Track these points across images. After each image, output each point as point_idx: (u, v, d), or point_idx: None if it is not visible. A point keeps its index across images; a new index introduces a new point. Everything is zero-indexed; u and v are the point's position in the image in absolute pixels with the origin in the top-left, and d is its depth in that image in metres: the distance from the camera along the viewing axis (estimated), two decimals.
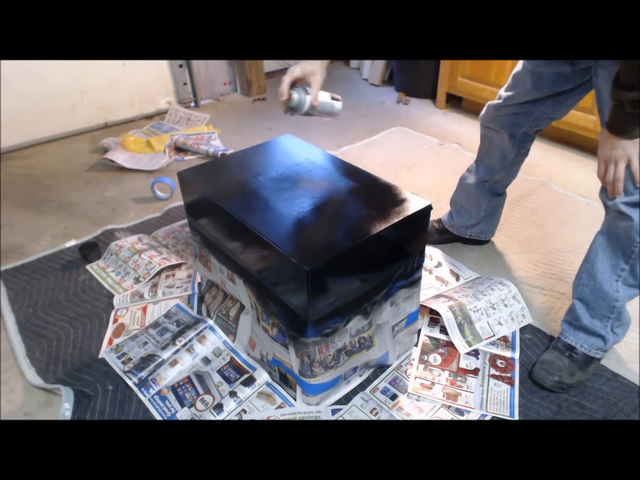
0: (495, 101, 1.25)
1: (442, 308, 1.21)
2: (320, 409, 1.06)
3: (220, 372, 1.15)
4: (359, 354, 1.05)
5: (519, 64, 1.18)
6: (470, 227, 1.50)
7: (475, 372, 1.14)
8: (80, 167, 2.10)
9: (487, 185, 1.39)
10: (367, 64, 2.98)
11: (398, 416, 1.04)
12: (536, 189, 1.86)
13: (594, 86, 1.00)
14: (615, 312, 1.07)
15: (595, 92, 1.00)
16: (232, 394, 1.09)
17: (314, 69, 1.00)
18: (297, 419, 1.04)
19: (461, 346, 1.17)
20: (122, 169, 2.04)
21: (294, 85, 1.00)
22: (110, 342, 1.24)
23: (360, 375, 1.13)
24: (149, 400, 1.09)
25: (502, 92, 1.23)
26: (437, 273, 1.44)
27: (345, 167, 1.09)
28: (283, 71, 3.08)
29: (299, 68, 0.99)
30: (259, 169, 1.08)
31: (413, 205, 0.96)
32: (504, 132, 1.26)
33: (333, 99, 1.05)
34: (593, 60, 0.98)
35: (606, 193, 1.00)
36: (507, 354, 1.18)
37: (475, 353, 1.18)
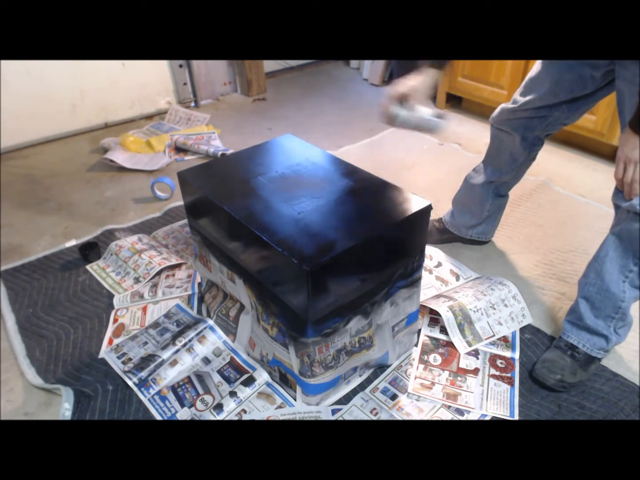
0: (510, 105, 1.23)
1: (442, 308, 1.21)
2: (320, 409, 1.06)
3: (220, 372, 1.15)
4: (359, 354, 1.05)
5: (535, 68, 1.16)
6: (472, 227, 1.50)
7: (475, 372, 1.14)
8: (80, 167, 2.10)
9: (493, 187, 1.39)
10: (367, 64, 2.98)
11: (398, 416, 1.04)
12: (536, 189, 1.86)
13: (616, 88, 0.99)
14: (620, 312, 1.07)
15: (617, 94, 0.99)
16: (232, 394, 1.09)
17: (415, 84, 1.03)
18: (297, 419, 1.04)
19: (461, 346, 1.17)
20: (122, 169, 2.04)
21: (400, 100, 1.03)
22: (110, 342, 1.24)
23: (360, 375, 1.13)
24: (149, 400, 1.09)
25: (517, 97, 1.21)
26: (437, 273, 1.44)
27: (345, 167, 1.09)
28: (283, 71, 3.10)
29: (402, 86, 1.02)
30: (259, 169, 1.08)
31: (413, 205, 0.96)
32: (516, 135, 1.25)
33: (438, 116, 1.05)
34: (616, 61, 0.97)
35: (620, 195, 0.99)
36: (507, 354, 1.18)
37: (475, 353, 1.18)
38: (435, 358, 1.17)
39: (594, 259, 1.10)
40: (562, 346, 1.14)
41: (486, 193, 1.40)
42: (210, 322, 1.25)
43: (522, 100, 1.19)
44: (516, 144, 1.26)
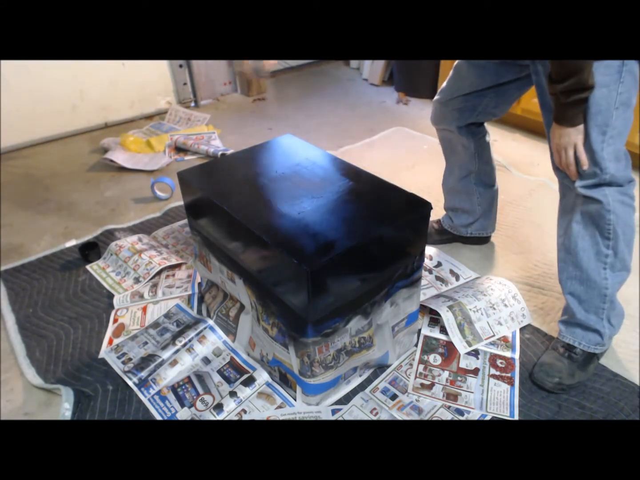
0: (439, 96, 1.31)
1: (442, 308, 1.21)
2: (320, 409, 1.06)
3: (220, 372, 1.15)
4: (359, 354, 1.05)
5: (458, 60, 1.24)
6: (470, 225, 1.50)
7: (475, 372, 1.14)
8: (80, 167, 2.10)
9: (472, 180, 1.41)
10: (367, 64, 2.99)
11: (398, 416, 1.04)
12: (536, 189, 1.86)
13: (535, 83, 1.05)
14: (607, 301, 1.07)
15: (536, 88, 1.05)
16: (232, 394, 1.09)
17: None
18: (297, 419, 1.04)
19: (461, 346, 1.17)
20: (122, 169, 2.04)
21: None
22: (110, 342, 1.24)
23: (360, 375, 1.13)
24: (149, 400, 1.09)
25: (445, 86, 1.28)
26: (437, 273, 1.44)
27: (345, 167, 1.09)
28: (283, 71, 3.10)
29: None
30: (259, 169, 1.08)
31: (413, 205, 0.96)
32: (454, 129, 1.32)
33: None
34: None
35: (563, 174, 1.06)
36: (507, 354, 1.18)
37: (475, 353, 1.18)
38: (435, 358, 1.17)
39: (567, 253, 1.10)
40: (559, 348, 1.13)
41: (468, 188, 1.42)
42: (210, 322, 1.25)
43: (449, 88, 1.27)
44: (458, 136, 1.33)
